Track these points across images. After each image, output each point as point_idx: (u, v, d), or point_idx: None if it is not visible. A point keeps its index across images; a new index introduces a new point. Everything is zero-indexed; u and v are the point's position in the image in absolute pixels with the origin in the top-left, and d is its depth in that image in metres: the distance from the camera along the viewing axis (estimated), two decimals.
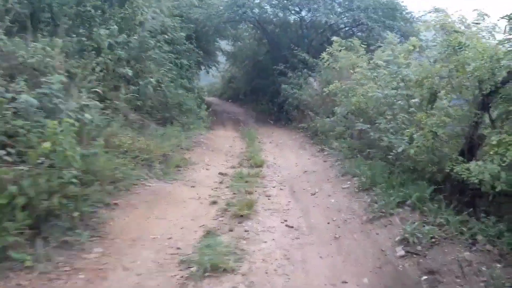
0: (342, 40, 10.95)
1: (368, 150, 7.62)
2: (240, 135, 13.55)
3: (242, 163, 8.98)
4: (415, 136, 5.20)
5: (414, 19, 16.70)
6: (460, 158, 5.04)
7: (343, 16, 17.52)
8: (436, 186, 5.08)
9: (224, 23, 18.10)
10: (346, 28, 18.14)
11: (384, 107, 6.80)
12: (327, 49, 11.70)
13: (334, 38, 11.31)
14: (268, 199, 6.44)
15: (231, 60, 27.73)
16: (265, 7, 18.68)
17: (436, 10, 15.92)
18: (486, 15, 6.12)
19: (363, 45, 10.56)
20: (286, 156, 9.95)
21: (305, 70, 15.18)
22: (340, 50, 11.29)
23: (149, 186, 6.59)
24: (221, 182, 7.38)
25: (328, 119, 8.90)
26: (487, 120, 5.23)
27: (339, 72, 11.46)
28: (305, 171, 8.00)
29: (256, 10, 18.64)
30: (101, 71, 8.07)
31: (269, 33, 19.53)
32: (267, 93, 19.95)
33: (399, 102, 5.97)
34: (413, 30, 16.20)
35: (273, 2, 18.11)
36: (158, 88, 9.91)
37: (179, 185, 6.97)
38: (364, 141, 8.53)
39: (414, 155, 5.36)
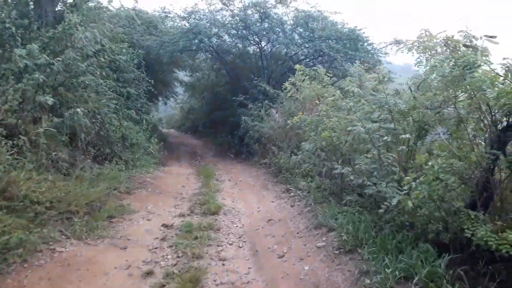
0: (306, 69, 9.70)
1: (345, 194, 6.18)
2: (196, 171, 11.85)
3: (194, 209, 7.27)
4: (414, 184, 3.77)
5: (376, 50, 15.97)
6: (472, 212, 3.67)
7: (303, 47, 16.57)
8: (447, 254, 3.63)
9: (180, 52, 16.63)
10: (307, 60, 17.18)
11: (363, 143, 5.39)
12: (289, 79, 10.42)
13: (297, 66, 10.05)
14: (223, 264, 4.76)
15: (190, 91, 26.36)
16: (223, 37, 17.47)
17: (397, 42, 15.19)
18: (474, 36, 4.99)
19: (328, 74, 9.34)
20: (247, 198, 8.34)
21: (266, 101, 13.87)
22: (304, 80, 10.04)
23: (62, 251, 4.75)
24: (163, 239, 5.63)
25: (294, 156, 7.45)
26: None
27: (303, 103, 10.17)
28: (270, 220, 6.40)
29: (214, 40, 17.41)
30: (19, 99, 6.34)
31: (228, 64, 18.25)
32: (226, 125, 18.51)
33: (385, 138, 4.59)
34: (375, 61, 15.55)
35: (232, 32, 16.93)
36: (94, 120, 8.12)
37: (106, 247, 5.15)
38: (336, 181, 7.11)
39: (412, 209, 3.93)
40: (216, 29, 16.46)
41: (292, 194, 7.86)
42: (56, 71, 6.47)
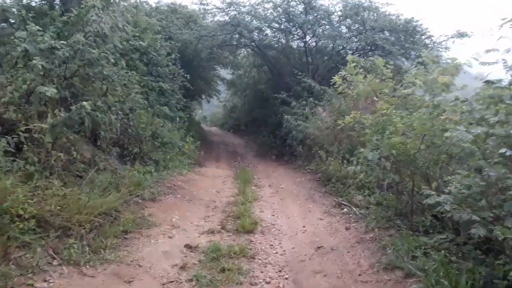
0: (361, 59, 8.04)
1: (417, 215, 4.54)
2: (234, 174, 10.47)
3: (227, 223, 5.87)
4: None
5: (435, 44, 13.85)
6: None
7: (352, 40, 14.76)
8: None
9: (219, 47, 15.38)
10: (357, 54, 15.32)
11: (465, 156, 3.67)
12: (340, 72, 8.77)
13: (350, 56, 8.42)
14: None
15: (232, 89, 25.21)
16: (265, 31, 15.99)
17: (460, 34, 13.05)
18: None
19: (389, 66, 7.63)
20: (289, 211, 6.83)
21: (311, 99, 12.27)
22: (357, 73, 8.36)
23: (45, 285, 3.50)
24: (182, 268, 4.26)
25: (351, 167, 5.82)
26: None
27: (356, 100, 8.49)
28: (319, 247, 4.85)
29: (255, 35, 16.02)
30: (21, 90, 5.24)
31: (270, 59, 16.77)
32: (268, 124, 17.07)
33: (505, 151, 2.91)
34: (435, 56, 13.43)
35: (274, 26, 15.42)
36: (117, 116, 6.95)
37: (106, 279, 3.86)
38: (404, 198, 5.45)
39: None
40: (257, 22, 15.01)
41: (346, 210, 6.27)
42: (61, 57, 5.27)
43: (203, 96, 26.08)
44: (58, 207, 4.37)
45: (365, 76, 8.23)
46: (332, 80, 9.24)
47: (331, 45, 15.99)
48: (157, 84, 9.67)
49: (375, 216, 5.36)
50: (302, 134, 11.19)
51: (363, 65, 8.07)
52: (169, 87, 10.32)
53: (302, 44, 16.17)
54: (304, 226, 5.83)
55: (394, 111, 5.62)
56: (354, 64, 8.40)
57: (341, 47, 15.79)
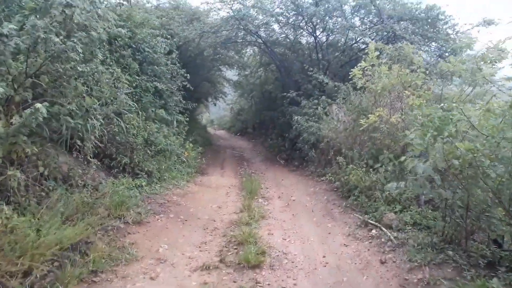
0: (386, 46, 6.72)
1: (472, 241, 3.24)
2: (240, 183, 9.22)
3: (226, 255, 4.61)
4: None
5: (459, 34, 12.39)
6: None
7: (367, 33, 13.39)
8: None
9: (223, 44, 14.14)
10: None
11: None
12: (359, 64, 7.45)
13: (371, 44, 7.10)
14: None
15: (239, 91, 24.03)
16: (272, 25, 14.68)
17: (487, 22, 11.63)
18: None
19: (421, 49, 6.32)
20: (304, 232, 5.53)
21: (323, 97, 10.96)
22: (380, 64, 7.04)
23: None
24: None
25: (391, 184, 4.43)
26: None
27: (380, 95, 7.16)
28: None
29: (262, 31, 14.76)
30: None
31: (278, 57, 15.47)
32: (277, 126, 15.84)
33: None
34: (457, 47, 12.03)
35: (282, 20, 14.11)
36: (100, 122, 5.75)
37: None
38: (453, 218, 4.13)
39: None
40: (264, 17, 13.71)
41: (375, 232, 4.96)
42: (13, 47, 4.07)
43: (209, 99, 24.97)
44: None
45: (390, 68, 6.93)
46: (348, 75, 7.94)
47: (343, 39, 14.68)
48: (152, 84, 8.45)
49: (417, 243, 4.05)
50: (314, 136, 9.89)
51: (390, 52, 6.73)
52: (166, 88, 9.10)
53: (312, 40, 14.85)
54: (324, 256, 4.53)
55: (424, 106, 4.30)
56: (377, 53, 7.08)
57: (354, 41, 14.49)
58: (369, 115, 6.46)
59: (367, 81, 7.23)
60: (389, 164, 6.09)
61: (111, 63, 7.49)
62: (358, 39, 14.17)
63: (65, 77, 5.14)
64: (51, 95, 5.16)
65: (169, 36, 10.47)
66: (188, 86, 10.33)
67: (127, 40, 7.98)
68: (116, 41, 7.80)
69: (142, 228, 5.22)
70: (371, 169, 6.42)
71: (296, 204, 7.14)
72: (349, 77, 7.94)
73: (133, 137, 7.22)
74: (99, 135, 6.48)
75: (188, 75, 10.32)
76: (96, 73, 5.79)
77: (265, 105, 18.49)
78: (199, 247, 4.91)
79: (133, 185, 6.61)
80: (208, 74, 18.70)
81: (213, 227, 5.71)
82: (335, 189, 7.46)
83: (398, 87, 6.54)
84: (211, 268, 4.23)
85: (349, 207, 6.25)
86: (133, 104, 7.10)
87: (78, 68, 5.17)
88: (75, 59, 5.12)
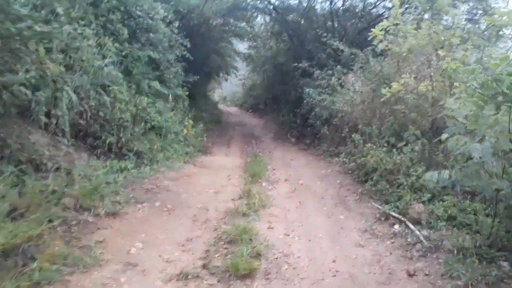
0: None
1: None
2: (244, 163, 8.26)
3: (212, 258, 3.68)
4: None
5: None
6: None
7: None
8: None
9: (231, 13, 12.88)
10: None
11: None
12: (381, 23, 6.21)
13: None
14: None
15: (250, 65, 22.74)
16: None
17: None
18: None
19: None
20: (312, 225, 4.55)
21: (338, 66, 9.75)
22: (405, 21, 5.82)
23: None
24: None
25: (431, 173, 3.39)
26: None
27: (405, 59, 5.96)
28: None
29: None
30: None
31: (290, 24, 14.14)
32: (288, 101, 14.69)
33: None
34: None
35: None
36: (72, 95, 4.83)
37: None
38: (509, 217, 3.07)
39: None
40: None
41: (398, 228, 3.94)
42: None
43: (220, 74, 23.80)
44: None
45: (418, 26, 5.71)
46: (366, 42, 6.76)
47: (361, 4, 13.23)
48: (145, 53, 7.41)
49: (456, 247, 3.03)
50: (327, 111, 8.77)
51: (419, 5, 5.49)
52: (160, 57, 8.05)
53: (327, 5, 13.46)
54: (334, 261, 3.54)
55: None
56: (402, 9, 5.84)
57: (373, 6, 13.02)
58: (392, 84, 5.31)
59: (389, 43, 6.02)
60: (415, 142, 5.00)
61: (95, 28, 6.50)
62: (377, 2, 12.73)
63: (18, 38, 4.17)
64: (3, 61, 4.23)
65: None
66: (188, 56, 9.24)
67: (115, 2, 6.91)
68: (101, 4, 6.76)
69: (117, 221, 4.33)
70: (393, 149, 5.33)
71: (304, 189, 6.14)
72: (368, 42, 6.74)
73: (120, 112, 6.28)
74: (78, 111, 5.63)
75: (188, 43, 9.23)
76: (71, 37, 4.81)
77: (277, 79, 17.30)
78: (182, 245, 4.00)
79: (118, 167, 5.74)
80: (217, 46, 17.45)
81: (205, 219, 4.78)
82: (350, 172, 6.41)
83: (428, 48, 5.33)
84: (190, 277, 3.31)
85: (366, 194, 5.22)
86: (119, 74, 6.08)
87: (36, 27, 4.18)
88: (32, 17, 4.16)
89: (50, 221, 3.74)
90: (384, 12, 12.81)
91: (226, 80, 25.59)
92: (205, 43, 14.80)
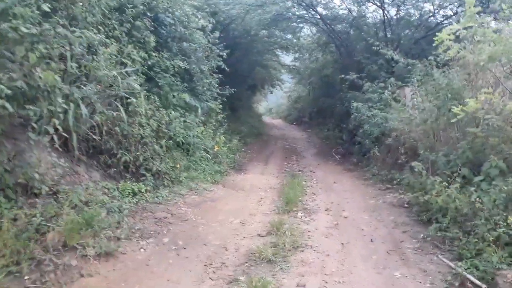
0: None
1: None
2: (281, 184, 7.16)
3: None
4: None
5: None
6: None
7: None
8: None
9: (274, 23, 11.92)
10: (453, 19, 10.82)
11: None
12: (450, 27, 4.87)
13: None
14: None
15: (296, 77, 21.78)
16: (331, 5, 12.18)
17: None
18: None
19: None
20: (356, 286, 3.33)
21: (392, 79, 8.39)
22: (483, 25, 4.47)
23: None
24: None
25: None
26: None
27: (482, 70, 4.58)
28: None
29: (321, 8, 12.37)
30: None
31: (338, 35, 12.91)
32: (334, 115, 13.44)
33: None
34: None
35: None
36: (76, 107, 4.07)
37: None
38: None
39: None
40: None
41: None
42: None
43: (266, 86, 23.01)
44: None
45: (498, 31, 4.35)
46: (424, 52, 5.43)
47: (418, 12, 11.72)
48: (173, 62, 6.61)
49: None
50: (378, 128, 7.45)
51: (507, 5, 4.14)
52: (193, 67, 7.23)
53: (379, 14, 12.10)
54: None
55: None
56: (478, 9, 4.50)
57: (431, 14, 11.46)
58: (467, 101, 3.98)
59: (460, 49, 4.67)
60: (498, 177, 3.63)
61: (119, 35, 5.81)
62: (436, 10, 11.19)
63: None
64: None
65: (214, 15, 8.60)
66: (223, 67, 8.37)
67: (141, 7, 6.20)
68: (127, 9, 6.06)
69: (109, 264, 3.41)
70: (466, 184, 3.97)
71: (348, 224, 4.89)
72: (425, 53, 5.42)
73: (139, 127, 5.47)
74: (91, 125, 4.92)
75: (225, 54, 8.37)
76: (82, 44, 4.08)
77: (323, 92, 16.15)
78: None
79: (130, 190, 4.89)
80: (261, 58, 16.69)
81: (220, 263, 3.72)
82: (407, 206, 5.07)
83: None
84: None
85: (429, 242, 3.88)
86: (136, 85, 5.27)
87: (22, 29, 3.43)
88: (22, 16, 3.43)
89: (17, 263, 2.92)
90: (443, 20, 11.24)
91: (271, 92, 24.82)
92: (249, 55, 14.03)
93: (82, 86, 4.72)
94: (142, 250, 3.79)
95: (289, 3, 11.30)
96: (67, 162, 4.64)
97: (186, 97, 6.85)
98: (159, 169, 5.60)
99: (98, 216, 3.77)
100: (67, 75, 4.60)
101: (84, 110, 4.54)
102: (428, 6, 11.34)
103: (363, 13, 12.44)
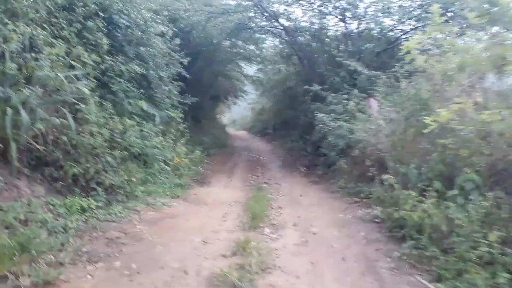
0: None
1: None
2: (246, 199, 6.76)
3: None
4: None
5: None
6: None
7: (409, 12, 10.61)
8: None
9: (236, 32, 11.67)
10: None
11: None
12: (415, 36, 4.80)
13: (434, 6, 4.47)
14: None
15: (259, 89, 21.67)
16: (293, 12, 12.14)
17: None
18: None
19: None
20: None
21: (356, 90, 8.34)
22: (449, 33, 4.41)
23: None
24: None
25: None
26: None
27: (450, 79, 4.50)
28: None
29: (284, 18, 12.30)
30: None
31: (301, 47, 12.88)
32: (298, 126, 13.32)
33: None
34: None
35: (304, 3, 11.52)
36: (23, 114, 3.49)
37: None
38: None
39: None
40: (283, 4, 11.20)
41: None
42: None
43: (229, 98, 22.69)
44: None
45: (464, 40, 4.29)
46: (385, 64, 5.36)
47: (378, 28, 11.94)
48: (128, 67, 6.09)
49: None
50: (344, 140, 7.31)
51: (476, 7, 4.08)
52: (151, 73, 6.73)
53: (340, 27, 12.22)
54: None
55: None
56: (443, 18, 4.44)
57: (390, 29, 11.72)
58: (439, 110, 3.83)
59: (428, 58, 4.58)
60: (474, 191, 3.48)
61: (68, 35, 5.24)
62: (394, 25, 11.46)
63: None
64: None
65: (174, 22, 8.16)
66: (185, 75, 7.94)
67: (93, 7, 5.66)
68: (77, 8, 5.50)
69: None
70: (440, 198, 3.80)
71: (318, 241, 4.58)
72: (386, 66, 5.34)
73: (89, 136, 4.90)
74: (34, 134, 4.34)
75: (185, 61, 7.94)
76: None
77: (286, 104, 16.08)
78: None
79: (78, 207, 4.30)
80: (224, 68, 16.38)
81: None
82: (376, 220, 4.86)
83: (484, 65, 3.88)
84: None
85: (405, 261, 3.64)
86: (86, 90, 4.72)
87: None
88: None
89: None
90: (402, 35, 11.51)
91: (235, 103, 24.53)
92: (212, 64, 13.65)
93: (22, 89, 4.17)
94: (89, 276, 3.23)
95: (251, 14, 11.10)
96: (4, 175, 4.06)
97: (143, 104, 6.34)
98: (112, 182, 5.05)
99: (37, 237, 3.20)
100: (5, 77, 4.04)
101: (24, 116, 3.98)
102: (387, 21, 11.64)
103: (325, 26, 12.52)
